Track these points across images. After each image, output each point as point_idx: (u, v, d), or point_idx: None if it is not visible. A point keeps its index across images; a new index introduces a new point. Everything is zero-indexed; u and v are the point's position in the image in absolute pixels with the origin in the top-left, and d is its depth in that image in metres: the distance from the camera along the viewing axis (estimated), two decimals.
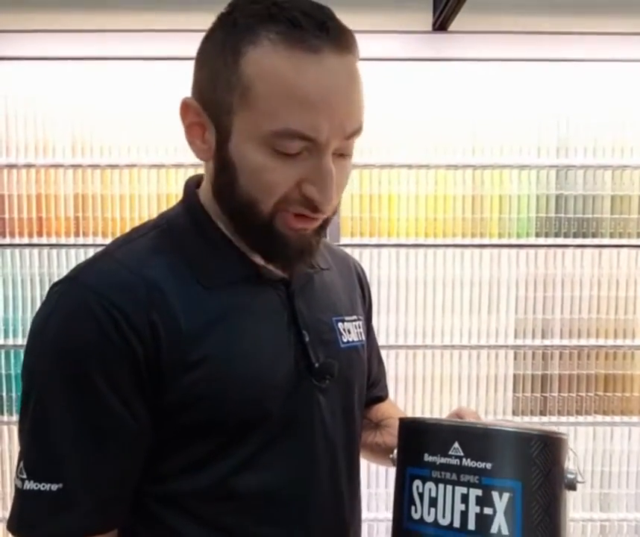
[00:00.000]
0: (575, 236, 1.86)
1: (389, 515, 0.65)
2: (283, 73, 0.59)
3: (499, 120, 1.81)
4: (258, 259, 0.71)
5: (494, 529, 0.55)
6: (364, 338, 0.82)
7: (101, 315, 0.61)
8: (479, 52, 1.75)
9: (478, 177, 1.82)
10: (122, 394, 0.63)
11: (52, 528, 0.62)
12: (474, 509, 0.56)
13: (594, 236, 1.86)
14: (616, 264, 1.88)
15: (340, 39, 0.61)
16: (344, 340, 0.76)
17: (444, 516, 0.57)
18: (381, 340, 1.85)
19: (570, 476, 0.60)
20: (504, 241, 1.84)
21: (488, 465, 0.57)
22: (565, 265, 1.87)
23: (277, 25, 0.60)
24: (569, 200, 1.85)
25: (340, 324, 0.76)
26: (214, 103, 0.64)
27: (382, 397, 0.95)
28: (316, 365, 0.70)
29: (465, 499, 0.57)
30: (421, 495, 0.59)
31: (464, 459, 0.58)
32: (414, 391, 1.88)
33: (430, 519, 0.58)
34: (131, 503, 0.67)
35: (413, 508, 0.60)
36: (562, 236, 1.85)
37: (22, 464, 0.63)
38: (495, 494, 0.56)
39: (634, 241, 1.87)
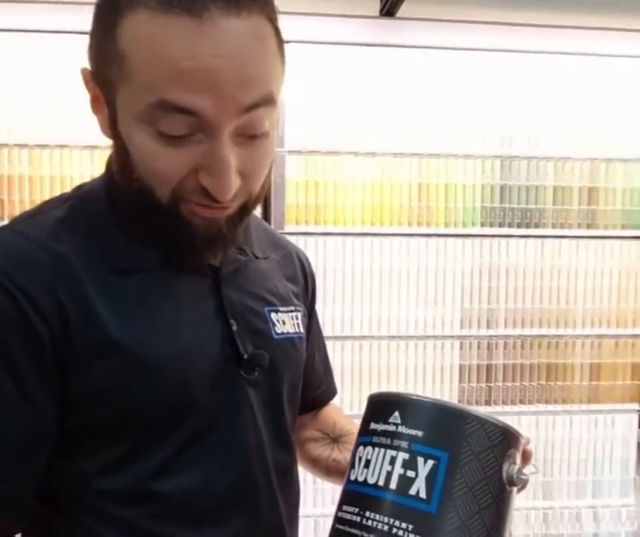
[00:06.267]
0: (519, 226, 1.87)
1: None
2: (158, 39, 0.53)
3: (444, 108, 1.81)
4: None
5: (412, 491, 0.57)
6: (302, 330, 0.77)
7: None
8: (425, 39, 1.74)
9: (424, 165, 1.81)
10: (22, 383, 0.56)
11: None
12: (398, 471, 0.58)
13: (536, 226, 1.88)
14: (558, 254, 1.91)
15: None
16: (278, 331, 0.71)
17: (372, 475, 0.59)
18: (327, 331, 1.80)
19: (511, 471, 0.59)
20: (450, 230, 1.84)
21: (420, 433, 0.59)
22: (509, 255, 1.88)
23: None
24: (513, 190, 1.86)
25: (274, 315, 0.72)
26: (101, 75, 0.59)
27: (328, 400, 0.91)
28: (245, 355, 0.66)
29: (392, 461, 0.58)
30: (360, 459, 0.62)
31: (400, 427, 0.60)
32: (360, 383, 1.85)
33: (361, 478, 0.60)
34: (31, 504, 0.61)
35: (352, 471, 0.62)
36: (507, 226, 1.87)
37: None
38: (420, 460, 0.58)
39: (575, 232, 1.90)
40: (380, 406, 0.64)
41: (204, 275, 0.67)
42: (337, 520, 0.61)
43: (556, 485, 1.97)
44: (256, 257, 0.75)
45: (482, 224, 1.85)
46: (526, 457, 0.66)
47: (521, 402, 1.93)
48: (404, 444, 0.59)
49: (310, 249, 1.76)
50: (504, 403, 1.91)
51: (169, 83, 0.53)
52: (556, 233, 1.89)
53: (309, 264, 0.86)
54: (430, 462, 0.58)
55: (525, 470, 0.62)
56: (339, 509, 0.62)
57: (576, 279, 1.92)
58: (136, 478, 0.62)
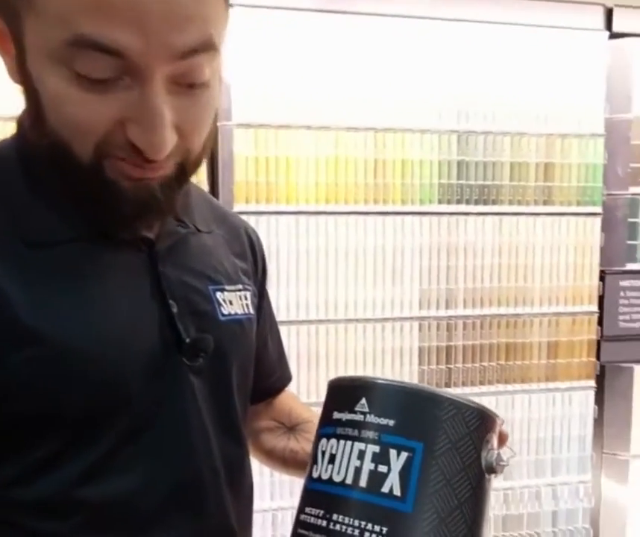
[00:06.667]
0: (476, 203, 1.84)
1: (295, 502, 0.60)
2: None
3: (400, 81, 1.74)
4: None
5: (385, 489, 0.51)
6: (252, 311, 0.70)
7: None
8: (381, 8, 1.67)
9: (380, 139, 1.74)
10: None
11: None
12: (368, 466, 0.52)
13: (494, 203, 1.85)
14: (515, 231, 1.88)
15: None
16: (225, 312, 0.65)
17: (339, 472, 0.53)
18: (280, 315, 1.73)
19: (490, 458, 0.55)
20: (407, 208, 1.78)
21: (391, 422, 0.53)
22: (467, 233, 1.85)
23: None
24: (470, 166, 1.82)
25: (219, 294, 0.66)
26: (3, 3, 0.49)
27: (283, 387, 0.85)
28: (187, 340, 0.60)
29: (361, 455, 0.53)
30: (323, 453, 0.56)
31: (368, 415, 0.54)
32: (317, 369, 1.78)
33: (326, 476, 0.54)
34: None
35: (315, 467, 0.57)
36: (464, 202, 1.83)
37: None
38: (393, 452, 0.52)
39: (532, 208, 1.88)
40: (344, 392, 0.58)
41: (138, 249, 0.60)
42: (299, 524, 0.55)
43: (515, 465, 1.95)
44: (199, 231, 0.67)
45: (440, 202, 1.80)
46: (502, 440, 0.61)
47: (481, 383, 1.90)
48: (373, 435, 0.53)
49: (262, 229, 1.66)
50: (464, 384, 1.88)
51: (87, 15, 0.45)
52: (514, 209, 1.87)
53: (258, 240, 0.80)
54: (404, 455, 0.52)
55: (503, 455, 0.57)
56: (301, 511, 0.56)
57: (533, 256, 1.90)
58: (61, 485, 0.54)
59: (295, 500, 0.59)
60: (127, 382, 0.56)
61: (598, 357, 2.00)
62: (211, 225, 0.72)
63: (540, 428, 1.97)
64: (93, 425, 0.55)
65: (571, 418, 1.99)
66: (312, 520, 0.53)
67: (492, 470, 0.55)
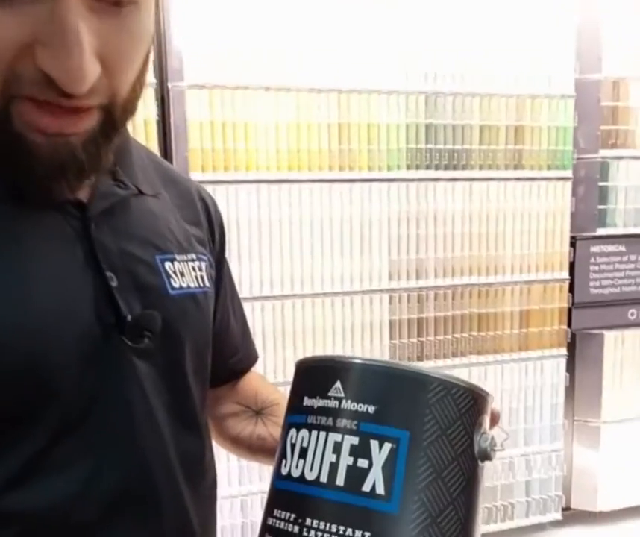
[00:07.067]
0: (446, 168, 1.77)
1: (265, 487, 0.52)
2: None
3: (365, 40, 1.65)
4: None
5: (366, 487, 0.44)
6: (207, 284, 0.62)
7: None
8: None
9: (344, 102, 1.64)
10: None
11: None
12: (345, 461, 0.44)
13: (464, 168, 1.79)
14: (486, 198, 1.83)
15: None
16: (175, 285, 0.57)
17: (311, 469, 0.46)
18: (243, 292, 1.63)
19: (484, 444, 0.48)
20: (374, 175, 1.70)
21: (371, 409, 0.45)
22: (436, 200, 1.78)
23: None
24: (439, 129, 1.75)
25: (168, 265, 0.57)
26: None
27: (248, 368, 0.77)
28: (128, 318, 0.51)
29: (337, 448, 0.45)
30: (293, 446, 0.48)
31: (344, 401, 0.46)
32: (284, 347, 1.69)
33: (296, 473, 0.47)
34: None
35: (284, 462, 0.49)
36: (433, 168, 1.76)
37: None
38: (374, 444, 0.45)
39: (502, 173, 1.83)
40: (315, 375, 0.50)
41: (67, 213, 0.50)
42: (267, 529, 0.48)
43: None
44: (142, 193, 0.58)
45: (408, 167, 1.73)
46: (494, 420, 0.53)
47: (454, 355, 1.85)
48: (351, 424, 0.46)
49: (220, 199, 1.53)
50: (437, 357, 1.82)
51: None
52: (484, 175, 1.81)
53: (214, 204, 0.70)
54: (387, 446, 0.45)
55: (497, 438, 0.49)
56: (269, 513, 0.48)
57: (504, 223, 1.86)
58: None
59: (265, 485, 0.52)
60: (54, 370, 0.47)
61: (569, 325, 1.98)
62: (158, 188, 0.62)
63: (513, 398, 1.94)
64: (18, 423, 0.47)
65: (543, 387, 1.98)
66: (282, 525, 0.46)
67: (486, 456, 0.48)
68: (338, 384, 0.47)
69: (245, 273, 1.63)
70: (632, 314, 2.04)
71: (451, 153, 1.76)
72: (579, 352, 2.02)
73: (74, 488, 0.48)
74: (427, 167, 1.74)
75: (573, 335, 2.00)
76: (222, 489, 1.79)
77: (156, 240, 0.57)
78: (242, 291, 1.63)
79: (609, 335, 2.01)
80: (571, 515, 2.06)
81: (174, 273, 0.57)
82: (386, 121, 1.69)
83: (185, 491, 0.56)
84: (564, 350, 1.98)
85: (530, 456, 1.99)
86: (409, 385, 0.47)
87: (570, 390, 2.02)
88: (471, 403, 0.47)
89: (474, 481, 0.47)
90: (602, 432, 2.04)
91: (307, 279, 1.69)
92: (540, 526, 2.02)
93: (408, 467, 0.44)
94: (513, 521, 1.97)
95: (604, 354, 2.01)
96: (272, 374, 1.67)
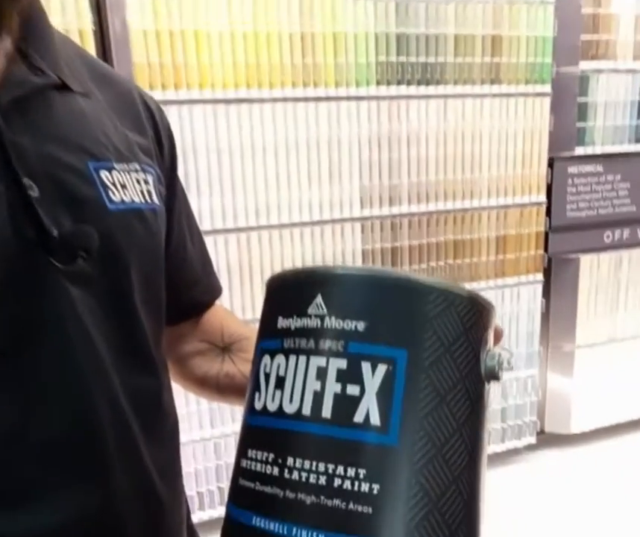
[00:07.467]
0: (419, 83, 1.64)
1: (238, 427, 0.46)
2: None
3: None
4: None
5: (358, 417, 0.37)
6: (157, 201, 0.54)
7: None
8: None
9: (306, 8, 1.49)
10: None
11: None
12: (332, 388, 0.38)
13: (438, 83, 1.66)
14: (461, 116, 1.71)
15: None
16: (115, 198, 0.48)
17: (291, 400, 0.39)
18: (204, 225, 1.50)
19: (491, 361, 0.41)
20: (342, 92, 1.56)
21: (360, 325, 0.39)
22: (409, 120, 1.65)
23: None
24: (411, 40, 1.61)
25: (105, 174, 0.48)
26: None
27: (211, 301, 0.68)
28: (54, 233, 0.43)
29: (321, 374, 0.38)
30: (267, 376, 0.41)
31: (327, 319, 0.39)
32: (251, 283, 1.58)
33: (273, 407, 0.40)
34: None
35: (257, 395, 0.42)
36: (405, 83, 1.63)
37: None
38: (366, 367, 0.38)
39: (478, 89, 1.71)
40: (290, 291, 0.43)
41: None
42: (241, 473, 0.41)
43: None
44: (68, 88, 0.48)
45: (379, 83, 1.59)
46: (497, 336, 0.46)
47: None
48: (337, 345, 0.39)
49: (172, 121, 1.39)
50: None
51: None
52: (459, 91, 1.69)
53: (160, 111, 0.60)
54: (381, 368, 0.38)
55: (505, 361, 0.43)
56: (242, 454, 0.42)
57: (480, 143, 1.75)
58: None
59: (238, 426, 0.46)
60: None
61: (546, 249, 1.93)
62: (88, 85, 0.52)
63: None
64: None
65: (519, 314, 1.94)
66: (259, 467, 0.39)
67: (494, 376, 0.42)
68: (319, 299, 0.40)
69: (205, 204, 1.49)
70: (607, 237, 2.00)
71: (424, 66, 1.63)
72: (555, 277, 1.98)
73: None
74: (399, 82, 1.61)
75: (549, 261, 1.95)
76: (194, 433, 1.71)
77: (88, 144, 0.47)
78: (203, 225, 1.50)
79: (585, 259, 1.97)
80: (545, 439, 2.07)
81: (114, 184, 0.48)
82: (352, 31, 1.54)
83: (139, 437, 0.50)
84: (540, 276, 1.94)
85: (507, 382, 1.97)
86: (404, 296, 0.39)
87: (545, 316, 1.99)
88: (476, 315, 0.41)
89: (480, 405, 0.41)
90: (576, 356, 2.03)
91: (273, 209, 1.57)
92: (515, 451, 2.02)
93: (407, 391, 0.38)
94: (489, 447, 1.96)
95: (580, 278, 1.98)
96: (240, 312, 1.57)
